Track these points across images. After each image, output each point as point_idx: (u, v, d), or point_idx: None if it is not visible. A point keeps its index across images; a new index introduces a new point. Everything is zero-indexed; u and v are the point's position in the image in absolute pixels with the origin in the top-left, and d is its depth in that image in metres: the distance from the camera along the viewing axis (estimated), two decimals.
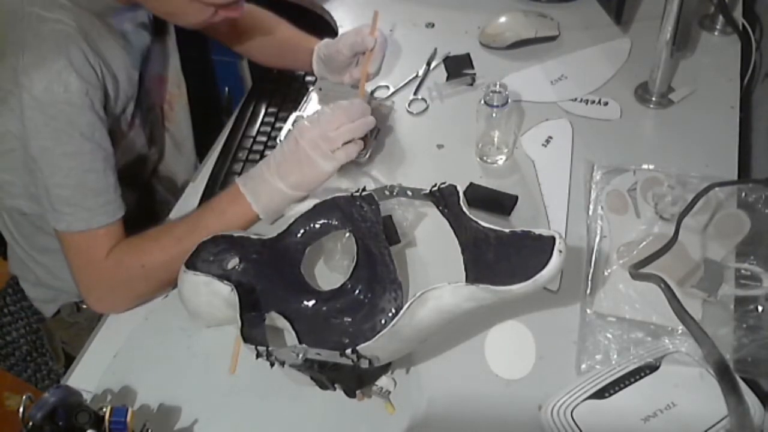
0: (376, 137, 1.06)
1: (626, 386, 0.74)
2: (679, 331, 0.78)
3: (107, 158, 0.87)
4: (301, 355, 0.69)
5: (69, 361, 1.15)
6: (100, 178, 0.85)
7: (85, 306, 1.11)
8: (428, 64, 1.19)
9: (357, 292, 0.84)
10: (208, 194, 1.02)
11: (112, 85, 0.89)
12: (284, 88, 1.20)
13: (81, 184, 0.84)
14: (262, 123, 1.13)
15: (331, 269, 0.90)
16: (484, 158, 1.02)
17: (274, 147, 1.08)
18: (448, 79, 1.15)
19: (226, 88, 1.50)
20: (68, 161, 0.83)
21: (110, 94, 0.89)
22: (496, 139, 1.00)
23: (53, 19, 0.82)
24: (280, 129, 1.09)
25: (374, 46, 1.01)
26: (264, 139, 1.11)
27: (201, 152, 1.23)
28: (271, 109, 1.16)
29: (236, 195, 0.89)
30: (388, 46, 1.06)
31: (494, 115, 0.97)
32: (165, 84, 1.10)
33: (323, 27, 1.34)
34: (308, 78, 1.21)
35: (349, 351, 0.68)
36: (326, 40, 1.10)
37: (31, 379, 1.37)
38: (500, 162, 1.02)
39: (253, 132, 1.12)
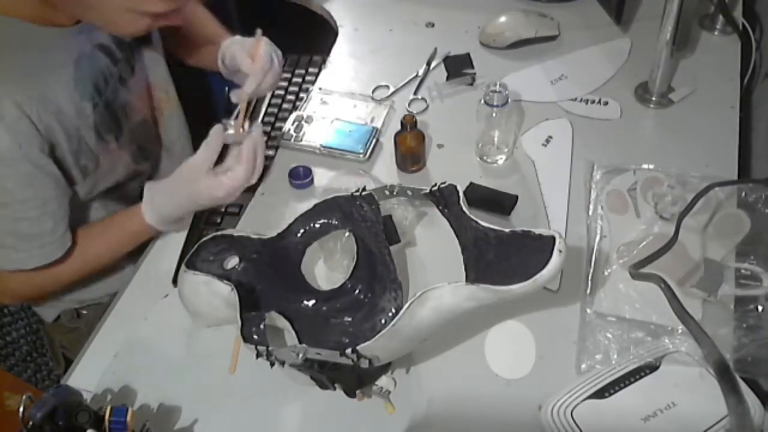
0: (376, 137, 1.06)
1: (626, 386, 0.74)
2: (679, 331, 0.78)
3: (46, 204, 0.86)
4: (301, 355, 0.69)
5: (69, 364, 1.15)
6: (33, 225, 0.86)
7: (85, 312, 1.11)
8: (428, 63, 1.19)
9: (357, 291, 0.84)
10: None
11: (58, 128, 0.86)
12: (284, 88, 1.20)
13: (13, 231, 0.85)
14: (262, 123, 1.13)
15: (331, 269, 0.90)
16: (484, 158, 1.02)
17: (274, 146, 1.08)
18: (448, 78, 1.15)
19: (226, 88, 1.50)
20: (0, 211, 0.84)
21: (55, 140, 0.86)
22: (496, 139, 1.00)
23: None
24: (280, 129, 1.09)
25: (253, 69, 0.93)
26: (264, 139, 1.10)
27: None
28: (271, 109, 1.16)
29: (136, 209, 0.92)
30: (278, 63, 0.97)
31: (494, 114, 0.97)
32: (153, 90, 1.08)
33: (323, 27, 1.34)
34: (308, 78, 1.21)
35: (349, 351, 0.68)
36: (230, 39, 1.00)
37: (31, 379, 1.37)
38: (500, 162, 1.02)
39: None
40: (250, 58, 0.93)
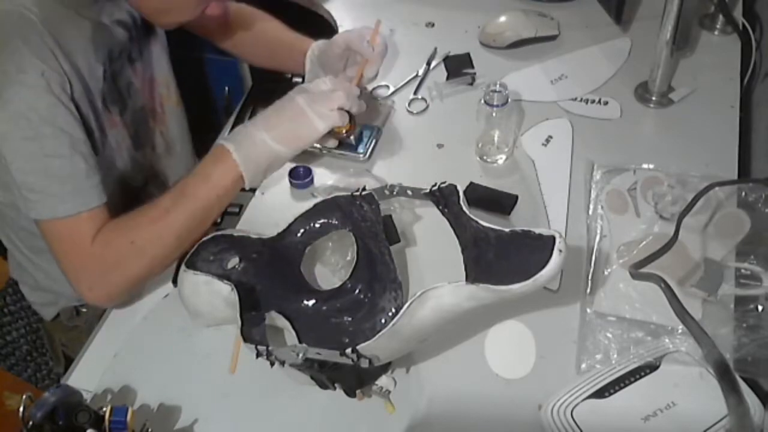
0: (376, 137, 1.06)
1: (626, 386, 0.74)
2: (679, 331, 0.78)
3: (74, 144, 0.83)
4: (301, 355, 0.69)
5: (69, 363, 1.15)
6: (65, 165, 0.82)
7: (84, 309, 1.10)
8: (428, 63, 1.19)
9: (357, 291, 0.84)
10: None
11: (74, 75, 0.85)
12: (284, 88, 1.19)
13: (44, 170, 0.81)
14: None
15: (331, 268, 0.90)
16: (484, 158, 1.02)
17: None
18: (448, 78, 1.15)
19: (226, 88, 1.50)
20: (28, 146, 0.80)
21: (72, 83, 0.85)
22: (496, 138, 1.00)
23: (12, 3, 0.81)
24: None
25: (373, 54, 1.01)
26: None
27: (200, 152, 1.23)
28: None
29: (220, 154, 0.86)
30: (388, 48, 1.06)
31: (494, 114, 0.97)
32: (156, 85, 1.08)
33: (323, 27, 1.34)
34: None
35: (349, 350, 0.68)
36: (321, 41, 1.09)
37: (31, 379, 1.37)
38: (500, 161, 1.02)
39: None
40: (369, 44, 1.01)
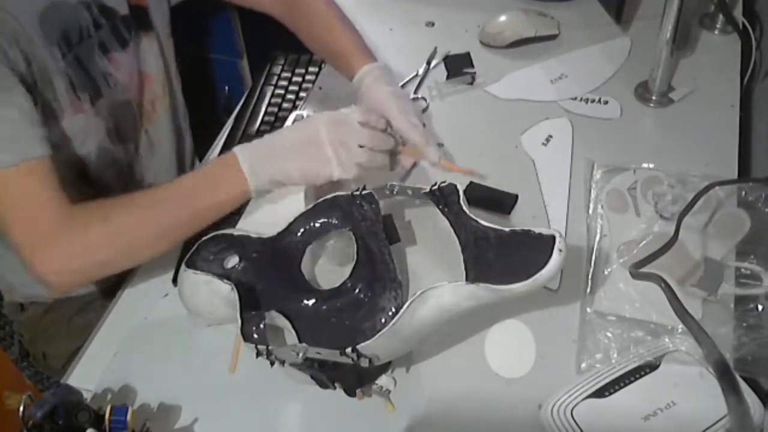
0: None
1: (626, 385, 0.74)
2: (679, 330, 0.78)
3: (10, 96, 0.78)
4: (301, 354, 0.69)
5: (26, 356, 1.16)
6: (8, 126, 0.77)
7: (30, 304, 1.07)
8: (428, 62, 1.19)
9: (357, 291, 0.84)
10: None
11: (12, 40, 0.81)
12: (284, 88, 1.20)
13: None
14: (262, 122, 1.13)
15: (332, 267, 0.90)
16: None
17: None
18: (448, 77, 1.15)
19: (226, 88, 1.50)
20: None
21: (5, 46, 0.80)
22: None
23: None
24: (280, 128, 1.09)
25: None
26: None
27: (200, 152, 1.23)
28: (270, 109, 1.16)
29: (230, 162, 0.82)
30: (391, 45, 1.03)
31: None
32: (148, 82, 1.06)
33: None
34: (308, 77, 1.21)
35: (349, 350, 0.68)
36: (372, 72, 0.95)
37: (31, 378, 1.37)
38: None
39: (253, 131, 1.12)
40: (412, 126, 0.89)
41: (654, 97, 1.08)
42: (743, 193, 0.89)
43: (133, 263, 0.82)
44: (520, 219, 0.94)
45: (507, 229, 0.71)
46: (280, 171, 0.83)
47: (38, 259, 0.77)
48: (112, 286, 0.93)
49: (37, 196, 0.77)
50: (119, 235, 0.78)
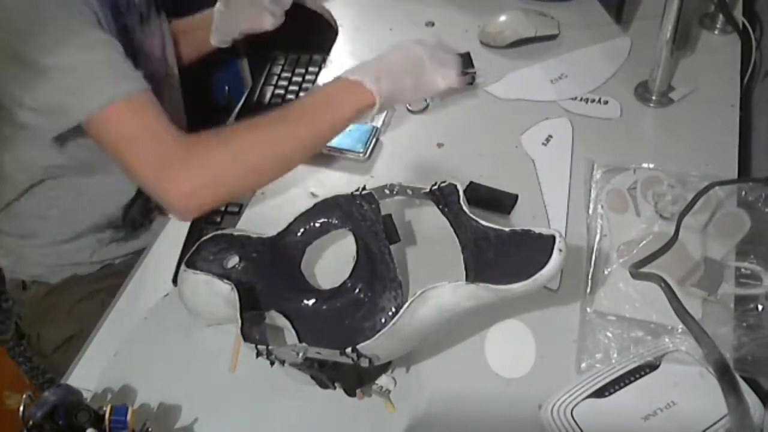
0: (376, 136, 1.06)
1: (626, 385, 0.74)
2: (679, 330, 0.78)
3: (109, 42, 0.83)
4: (301, 354, 0.69)
5: (21, 337, 1.15)
6: (104, 54, 0.82)
7: (32, 283, 1.08)
8: None
9: (357, 290, 0.84)
10: None
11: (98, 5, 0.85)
12: (284, 87, 1.20)
13: (85, 62, 0.80)
14: None
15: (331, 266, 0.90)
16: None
17: None
18: None
19: (226, 88, 1.50)
20: (66, 39, 0.79)
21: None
22: None
23: None
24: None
25: None
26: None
27: None
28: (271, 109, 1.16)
29: (347, 82, 0.84)
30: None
31: None
32: (164, 63, 1.08)
33: (323, 26, 1.34)
34: (308, 77, 1.21)
35: (349, 350, 0.68)
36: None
37: (27, 373, 1.37)
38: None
39: None
40: None
41: (654, 97, 1.08)
42: (743, 193, 0.89)
43: (257, 184, 0.84)
44: (520, 219, 0.94)
45: (507, 229, 0.71)
46: (398, 87, 0.87)
47: (167, 184, 0.80)
48: (115, 287, 0.93)
49: (154, 126, 0.80)
50: (240, 154, 0.80)
